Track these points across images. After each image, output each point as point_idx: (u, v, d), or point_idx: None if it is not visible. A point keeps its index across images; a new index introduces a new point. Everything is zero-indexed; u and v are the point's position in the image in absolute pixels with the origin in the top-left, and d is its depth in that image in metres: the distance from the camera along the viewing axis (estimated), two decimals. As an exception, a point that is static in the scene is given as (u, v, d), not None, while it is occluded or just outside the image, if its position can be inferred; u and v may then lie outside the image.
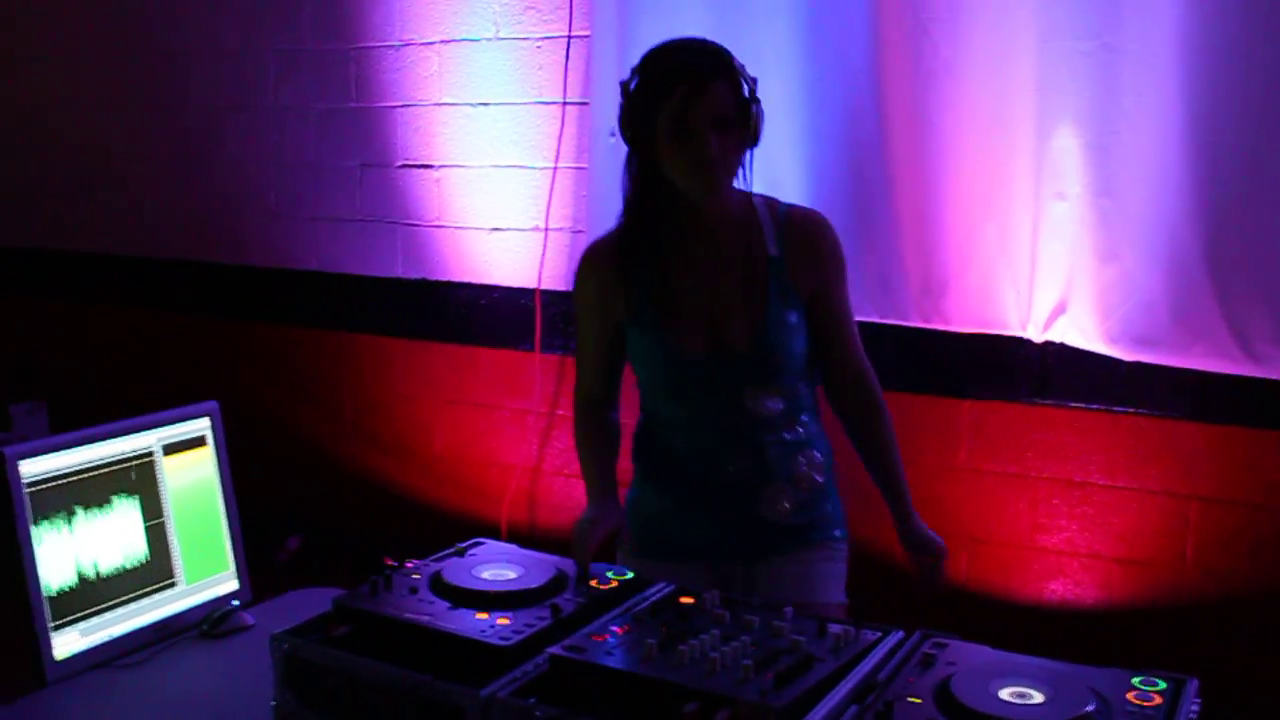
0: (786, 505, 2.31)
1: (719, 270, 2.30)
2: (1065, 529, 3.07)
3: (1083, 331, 2.92)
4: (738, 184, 2.30)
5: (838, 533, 2.41)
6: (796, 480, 2.31)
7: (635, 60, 3.34)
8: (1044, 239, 2.93)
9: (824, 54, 3.11)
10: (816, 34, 3.12)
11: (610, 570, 2.09)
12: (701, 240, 2.31)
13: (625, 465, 2.46)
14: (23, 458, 2.06)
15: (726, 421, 2.30)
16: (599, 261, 2.39)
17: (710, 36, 3.22)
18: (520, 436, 3.87)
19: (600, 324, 2.41)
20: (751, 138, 2.23)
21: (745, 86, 2.21)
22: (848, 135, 3.12)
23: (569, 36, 3.63)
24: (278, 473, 4.10)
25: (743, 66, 2.22)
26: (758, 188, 2.35)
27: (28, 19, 4.96)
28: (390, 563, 2.04)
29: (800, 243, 2.31)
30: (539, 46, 3.70)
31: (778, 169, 3.19)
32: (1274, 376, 2.73)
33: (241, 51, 4.35)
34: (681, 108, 2.17)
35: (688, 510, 2.38)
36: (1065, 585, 3.08)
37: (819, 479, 2.34)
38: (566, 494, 3.81)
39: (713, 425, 2.32)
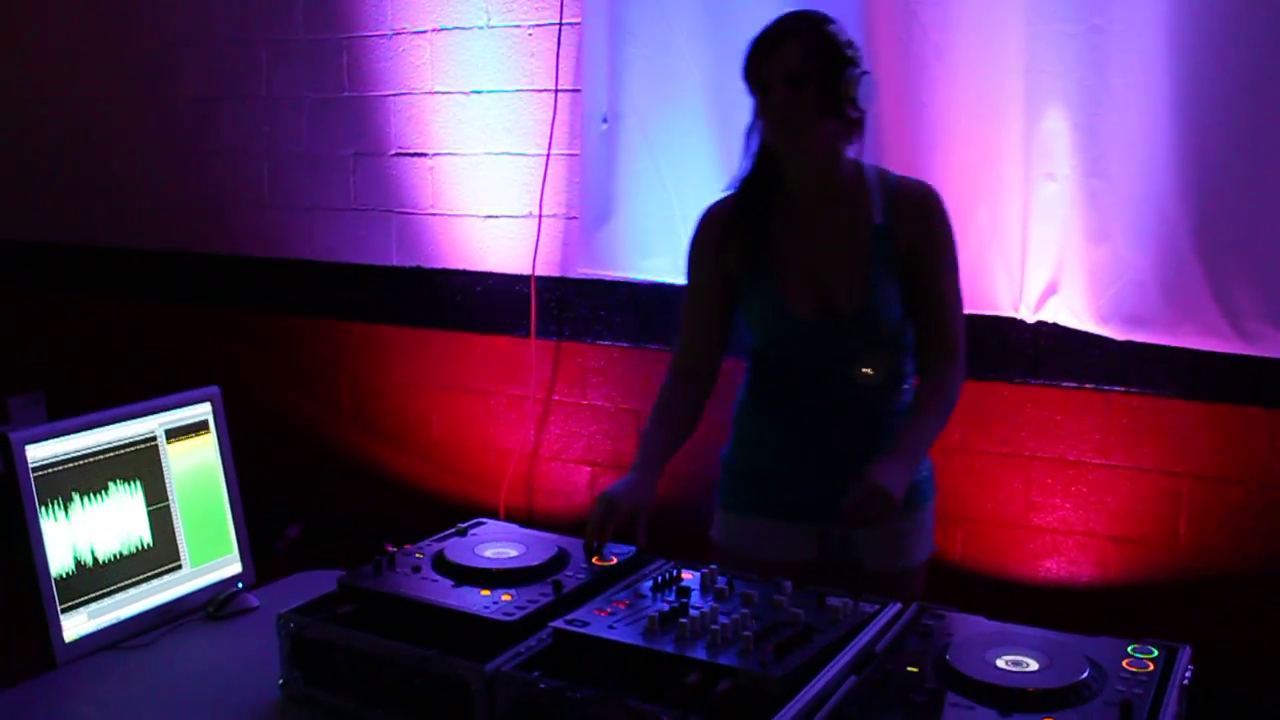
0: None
1: (827, 235, 2.34)
2: (1059, 508, 3.10)
3: (1074, 311, 2.94)
4: (851, 153, 2.35)
5: (928, 492, 2.48)
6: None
7: (627, 46, 3.39)
8: (1034, 220, 2.95)
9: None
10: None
11: (611, 547, 2.11)
12: (811, 204, 2.35)
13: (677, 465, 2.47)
14: (29, 443, 2.08)
15: (833, 386, 2.36)
16: (714, 222, 2.45)
17: (700, 22, 3.30)
18: (517, 422, 3.89)
19: (710, 286, 2.46)
20: (836, 102, 2.24)
21: (829, 52, 2.23)
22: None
23: (560, 24, 3.64)
24: (276, 461, 4.12)
25: (838, 34, 2.25)
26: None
27: (19, 11, 4.96)
28: (389, 548, 2.06)
29: (906, 213, 2.33)
30: (531, 34, 3.72)
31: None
32: (1264, 354, 2.76)
33: (233, 42, 4.36)
34: (758, 64, 2.28)
35: (793, 471, 2.42)
36: (1060, 563, 3.11)
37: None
38: (563, 479, 3.83)
39: (821, 390, 2.37)
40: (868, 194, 2.34)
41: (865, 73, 2.25)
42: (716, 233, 2.43)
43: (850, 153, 2.36)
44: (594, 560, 2.06)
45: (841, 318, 2.32)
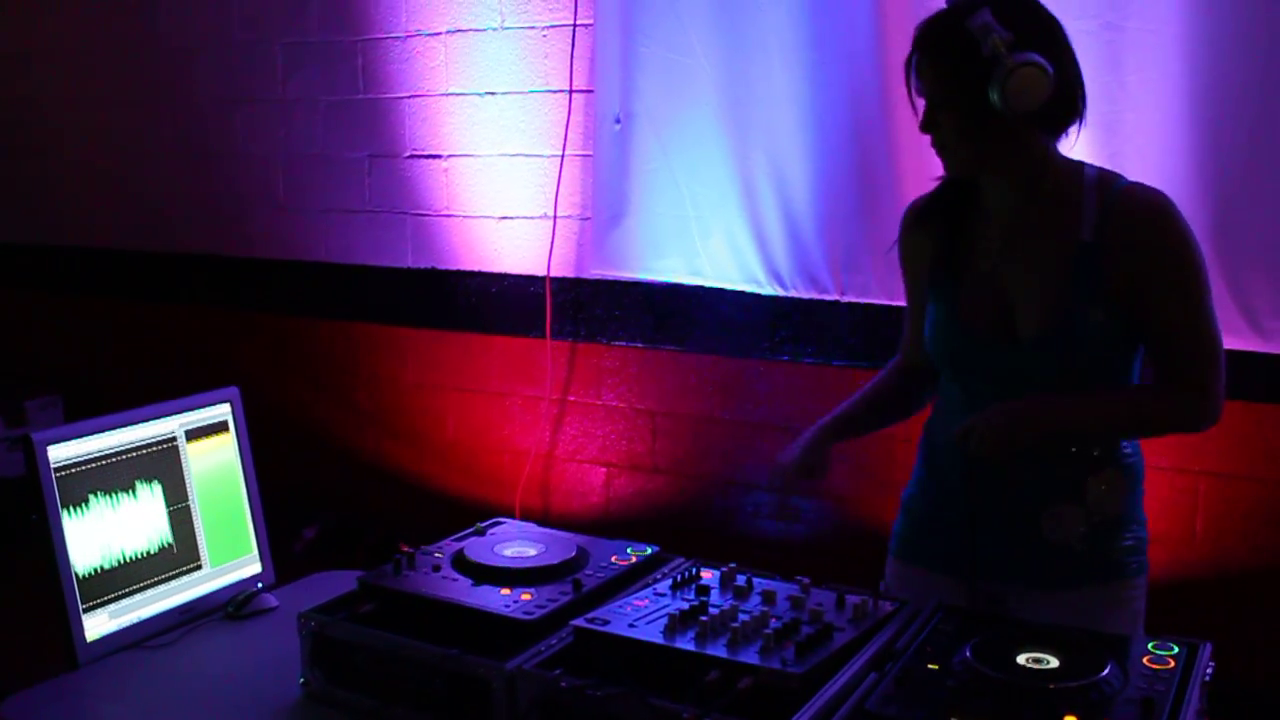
0: (1078, 529, 1.98)
1: (1025, 249, 2.01)
2: (1075, 505, 3.09)
3: (1090, 309, 2.94)
4: (1073, 154, 2.04)
5: (1134, 564, 2.05)
6: (1089, 503, 1.98)
7: (640, 47, 3.40)
8: (1050, 218, 2.94)
9: (826, 37, 3.14)
10: (819, 17, 3.14)
11: (630, 546, 2.12)
12: (1010, 215, 2.03)
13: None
14: (51, 443, 2.09)
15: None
16: (911, 220, 2.20)
17: (713, 22, 3.30)
18: (532, 423, 3.90)
19: (913, 283, 2.23)
20: (983, 117, 1.90)
21: (964, 63, 1.89)
22: (852, 116, 3.14)
23: (574, 25, 3.65)
24: (292, 462, 4.13)
25: (980, 29, 1.85)
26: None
27: (35, 16, 4.98)
28: (405, 549, 2.07)
29: (1124, 231, 1.94)
30: (544, 35, 3.73)
31: (783, 152, 3.22)
32: (1280, 351, 2.76)
33: (249, 45, 4.38)
34: (910, 79, 2.00)
35: (955, 516, 2.06)
36: (1076, 561, 3.10)
37: (1117, 503, 2.00)
38: (579, 479, 3.84)
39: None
40: (1080, 205, 1.97)
41: (1023, 66, 1.83)
42: (913, 234, 2.18)
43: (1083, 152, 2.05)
44: (612, 559, 2.06)
45: (1022, 341, 1.99)
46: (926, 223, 2.14)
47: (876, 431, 2.31)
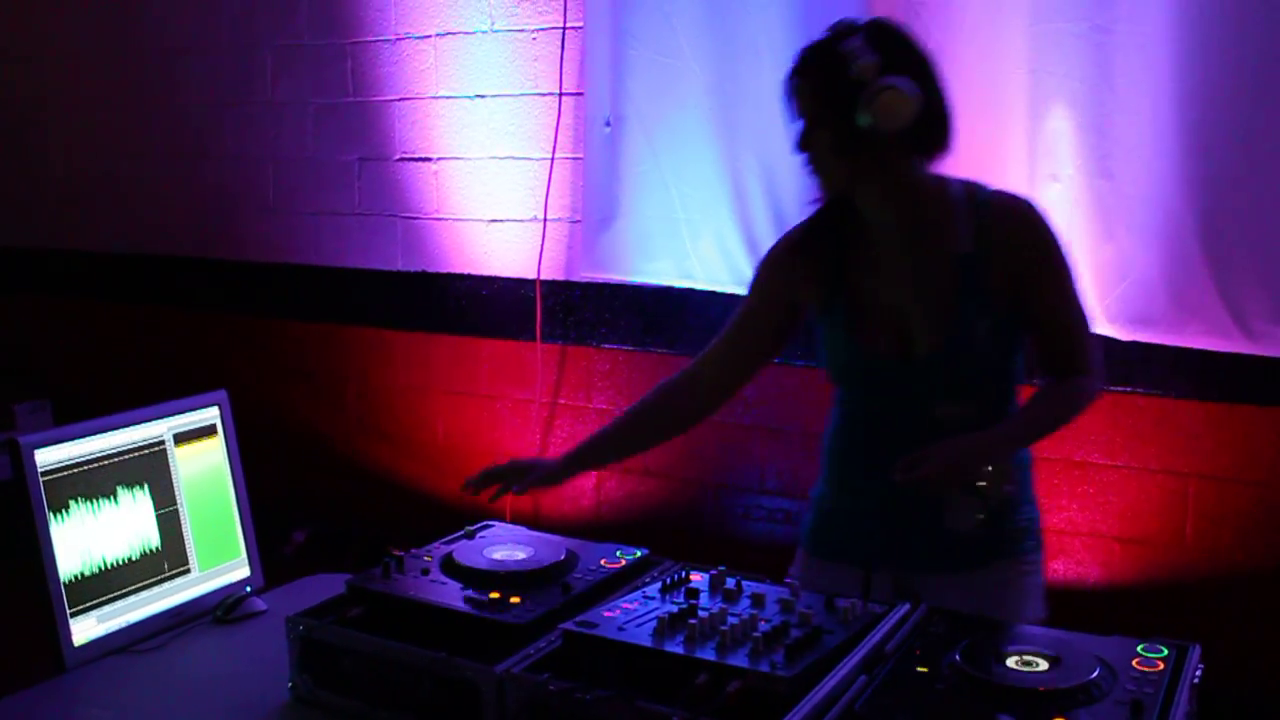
0: (976, 517, 2.05)
1: (908, 267, 2.12)
2: (1066, 508, 3.10)
3: (1080, 311, 2.94)
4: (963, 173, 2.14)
5: (1029, 543, 2.22)
6: (986, 493, 2.04)
7: (629, 50, 3.40)
8: (1040, 220, 2.95)
9: (816, 39, 3.13)
10: (809, 20, 3.13)
11: (620, 549, 2.12)
12: (888, 235, 2.13)
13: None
14: (38, 447, 2.08)
15: (913, 426, 2.09)
16: (790, 250, 2.26)
17: (702, 25, 3.30)
18: (523, 426, 3.90)
19: (764, 313, 2.30)
20: (855, 136, 2.00)
21: (839, 84, 1.99)
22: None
23: (564, 28, 3.65)
24: (282, 466, 4.13)
25: (851, 53, 1.97)
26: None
27: (24, 17, 4.97)
28: (396, 552, 2.06)
29: (999, 237, 2.07)
30: (534, 38, 3.72)
31: (774, 157, 3.22)
32: (1271, 354, 2.76)
33: (238, 48, 4.37)
34: (788, 101, 2.10)
35: (869, 514, 2.20)
36: (1067, 564, 3.11)
37: (1009, 489, 2.08)
38: (570, 483, 3.82)
39: (899, 429, 2.12)
40: (953, 217, 2.08)
41: (887, 88, 1.95)
42: (790, 262, 2.25)
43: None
44: (601, 563, 2.06)
45: (922, 358, 2.10)
46: (806, 250, 2.22)
47: (640, 452, 2.40)
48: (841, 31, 2.04)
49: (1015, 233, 2.07)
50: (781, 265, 2.28)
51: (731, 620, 1.75)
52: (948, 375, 2.10)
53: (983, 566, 2.16)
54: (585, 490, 3.80)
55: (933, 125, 2.05)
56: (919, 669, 1.67)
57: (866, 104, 1.96)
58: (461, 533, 2.22)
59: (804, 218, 2.24)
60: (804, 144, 2.07)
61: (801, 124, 2.07)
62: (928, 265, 2.10)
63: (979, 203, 2.09)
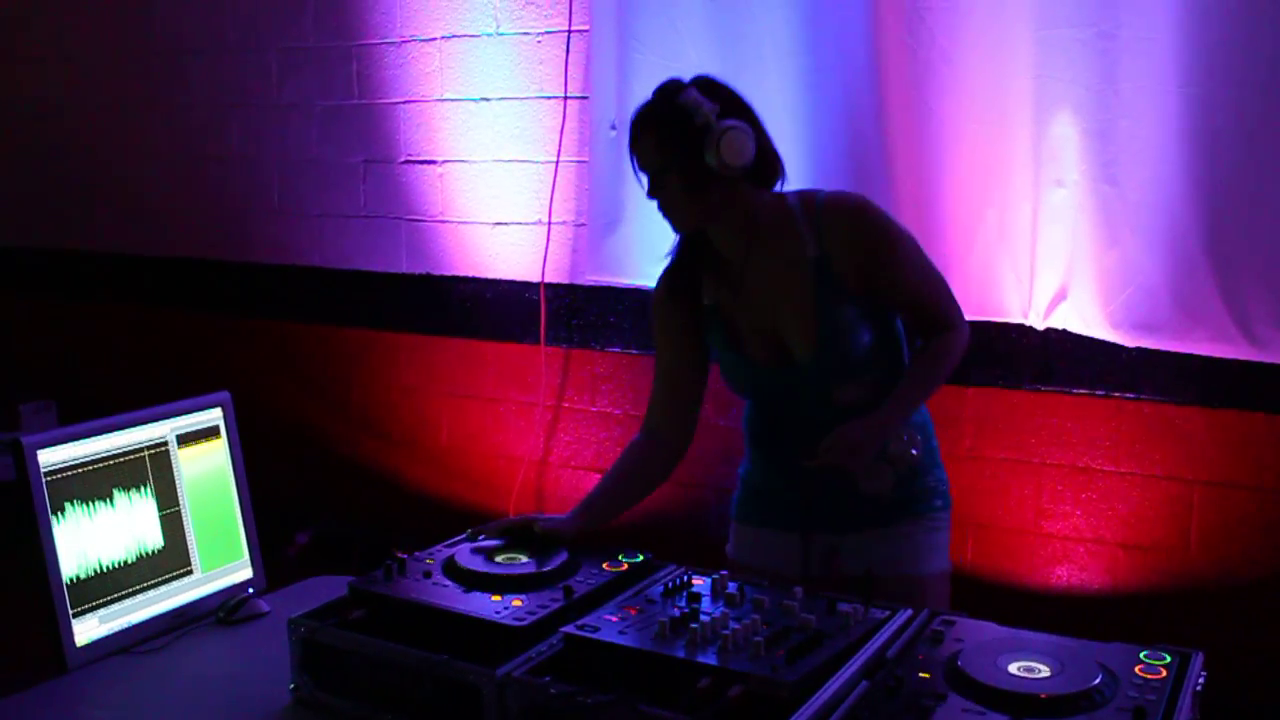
0: (886, 483, 2.25)
1: (766, 281, 2.32)
2: (1070, 515, 3.09)
3: (1084, 318, 2.94)
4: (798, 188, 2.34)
5: (938, 502, 2.44)
6: (893, 458, 2.23)
7: (634, 54, 3.40)
8: (1044, 226, 2.95)
9: (821, 45, 3.14)
10: (813, 25, 3.14)
11: (622, 553, 2.12)
12: (742, 256, 2.33)
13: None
14: (41, 448, 2.08)
15: (817, 411, 2.30)
16: (663, 291, 2.46)
17: (707, 29, 3.30)
18: (526, 429, 3.90)
19: (668, 352, 2.49)
20: (704, 178, 2.21)
21: (681, 134, 2.19)
22: (846, 125, 3.14)
23: (569, 31, 3.65)
24: (286, 468, 4.13)
25: (689, 104, 2.18)
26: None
27: (32, 19, 4.98)
28: (399, 555, 2.07)
29: (837, 235, 2.27)
30: (539, 41, 3.73)
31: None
32: (1275, 360, 2.75)
33: (243, 50, 4.38)
34: (635, 160, 2.29)
35: (787, 484, 2.40)
36: (1070, 570, 3.10)
37: (914, 453, 2.27)
38: (573, 486, 3.83)
39: (805, 415, 2.33)
40: (796, 228, 2.29)
41: (731, 129, 2.17)
42: (668, 303, 2.45)
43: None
44: (604, 566, 2.07)
45: (803, 362, 2.30)
46: (674, 289, 2.42)
47: (635, 504, 2.46)
48: (674, 88, 2.24)
49: (850, 228, 2.28)
50: (664, 307, 2.47)
51: (733, 625, 1.75)
52: (832, 367, 2.29)
53: (895, 524, 2.38)
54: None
55: (765, 158, 2.28)
56: (921, 674, 1.67)
57: (713, 145, 2.17)
58: (464, 535, 2.22)
59: (665, 262, 2.44)
60: (656, 190, 2.26)
61: (649, 174, 2.26)
62: (783, 276, 2.30)
63: (814, 209, 2.29)
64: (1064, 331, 2.99)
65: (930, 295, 2.34)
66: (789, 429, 2.39)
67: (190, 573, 2.33)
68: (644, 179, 2.29)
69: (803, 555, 2.37)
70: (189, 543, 2.33)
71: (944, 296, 2.35)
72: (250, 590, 2.40)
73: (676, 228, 2.32)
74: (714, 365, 2.50)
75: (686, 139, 2.19)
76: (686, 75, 2.30)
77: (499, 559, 2.07)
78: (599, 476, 3.73)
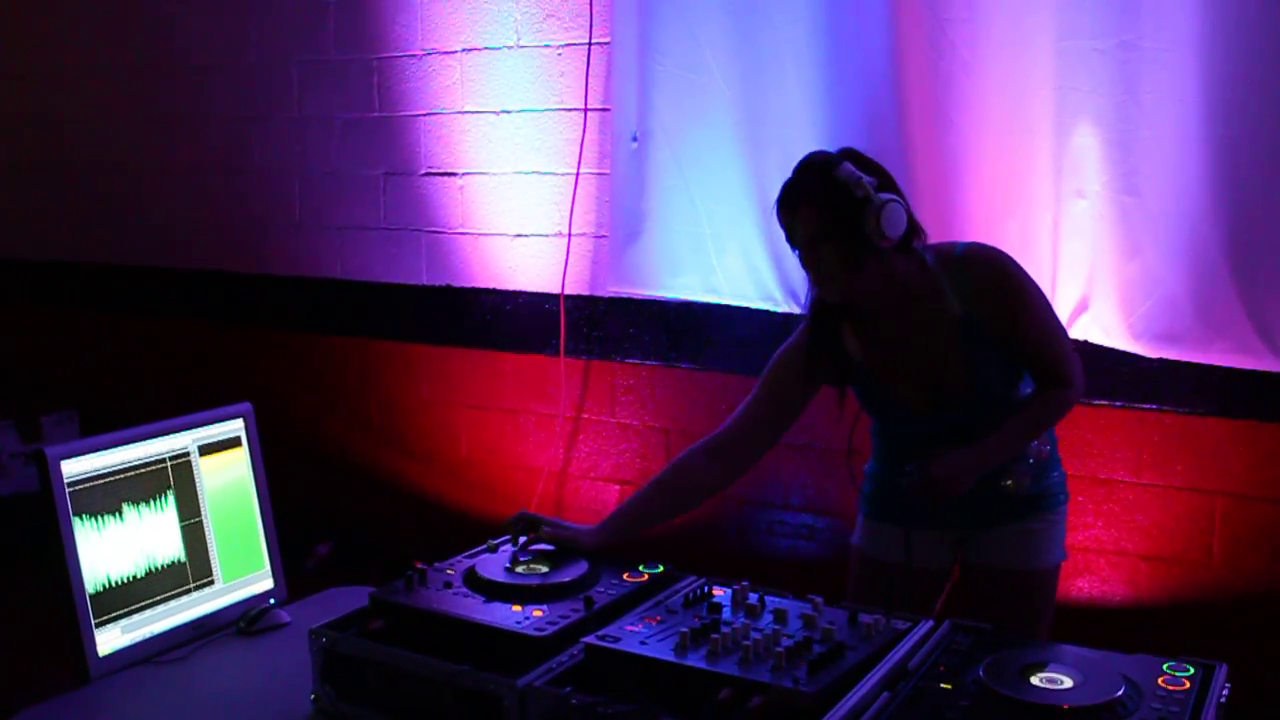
0: (1025, 481, 2.40)
1: (914, 338, 2.38)
2: (1091, 526, 3.08)
3: (1105, 329, 2.93)
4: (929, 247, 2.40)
5: (1062, 496, 2.53)
6: (1030, 455, 2.40)
7: (656, 65, 3.41)
8: (1065, 237, 2.94)
9: (842, 55, 3.14)
10: (834, 36, 3.14)
11: (642, 564, 2.11)
12: (890, 316, 2.38)
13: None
14: (64, 458, 2.09)
15: (962, 437, 2.35)
16: (799, 358, 2.47)
17: (729, 41, 3.31)
18: (546, 440, 3.90)
19: (777, 396, 2.50)
20: (862, 248, 2.25)
21: (842, 204, 2.24)
22: (867, 136, 3.13)
23: (590, 43, 3.66)
24: (306, 478, 4.14)
25: (848, 177, 2.24)
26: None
27: (54, 34, 5.02)
28: (419, 565, 2.06)
29: (981, 297, 2.35)
30: (560, 54, 3.74)
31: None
32: (1297, 371, 2.74)
33: (265, 63, 4.40)
34: (786, 231, 2.34)
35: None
36: (1092, 582, 3.09)
37: (1046, 449, 2.45)
38: (592, 496, 3.83)
39: (949, 438, 2.36)
40: (940, 287, 2.35)
41: (889, 202, 2.23)
42: (801, 366, 2.47)
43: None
44: (624, 576, 2.07)
45: (956, 405, 2.38)
46: (813, 357, 2.45)
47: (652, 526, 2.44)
48: (829, 161, 2.30)
49: (991, 289, 2.35)
50: (792, 368, 2.49)
51: (754, 635, 1.74)
52: (979, 411, 2.38)
53: (1029, 519, 2.47)
54: (608, 505, 3.80)
55: (911, 226, 2.31)
56: (942, 685, 1.66)
57: (875, 217, 2.23)
58: (484, 546, 2.22)
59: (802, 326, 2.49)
60: (812, 261, 2.30)
61: (806, 244, 2.30)
62: (932, 336, 2.37)
63: (953, 266, 2.36)
64: (1085, 342, 2.98)
65: (1050, 350, 2.39)
66: (929, 441, 2.39)
67: (212, 583, 2.33)
68: (797, 252, 2.33)
69: (953, 552, 2.54)
70: (210, 553, 2.34)
71: (1066, 352, 2.42)
72: (271, 601, 2.41)
73: (830, 297, 2.37)
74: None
75: (847, 212, 2.24)
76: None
77: (519, 569, 2.07)
78: (618, 488, 3.78)
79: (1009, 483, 2.37)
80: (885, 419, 2.53)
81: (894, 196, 2.26)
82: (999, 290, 2.35)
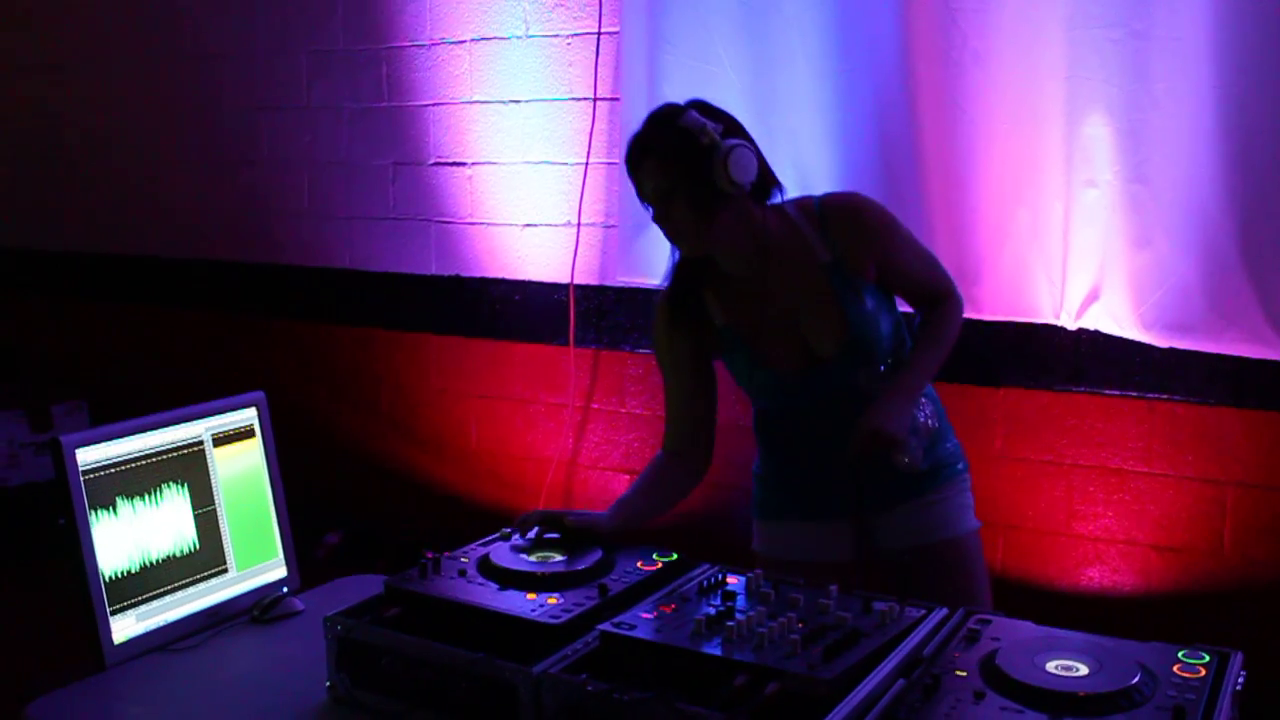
0: (917, 455, 2.30)
1: (783, 289, 2.36)
2: (1102, 516, 3.08)
3: (1116, 318, 2.93)
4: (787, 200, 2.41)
5: (960, 466, 2.52)
6: (918, 430, 2.32)
7: (665, 54, 3.40)
8: (1076, 226, 2.94)
9: (853, 44, 3.13)
10: (845, 25, 3.13)
11: (656, 552, 2.12)
12: (754, 269, 2.36)
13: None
14: (79, 446, 2.10)
15: (840, 405, 2.34)
16: (664, 319, 2.48)
17: (739, 30, 3.30)
18: (555, 430, 3.90)
19: (675, 375, 2.50)
20: (713, 197, 2.24)
21: (686, 154, 2.22)
22: (878, 126, 3.14)
23: (599, 33, 3.65)
24: (316, 468, 4.13)
25: (692, 126, 2.22)
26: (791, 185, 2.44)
27: (61, 24, 5.02)
28: (430, 555, 2.07)
29: (845, 238, 2.35)
30: (569, 43, 3.73)
31: (809, 161, 3.22)
32: (1309, 360, 2.74)
33: (274, 53, 4.40)
34: (637, 188, 2.33)
35: (819, 473, 2.43)
36: (1103, 572, 3.09)
37: (933, 423, 2.40)
38: (602, 487, 3.83)
39: (828, 411, 2.37)
40: (803, 235, 2.36)
41: (736, 147, 2.21)
42: (671, 329, 2.47)
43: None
44: (638, 565, 2.07)
45: (829, 358, 2.35)
46: (681, 315, 2.44)
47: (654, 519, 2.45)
48: (672, 111, 2.28)
49: (855, 225, 2.36)
50: (667, 336, 2.49)
51: (769, 623, 1.74)
52: (857, 360, 2.34)
53: (930, 492, 2.44)
54: (616, 495, 3.77)
55: (765, 174, 2.32)
56: (958, 672, 1.67)
57: (720, 164, 2.21)
58: (498, 534, 2.23)
59: (664, 283, 2.48)
60: (664, 217, 2.29)
61: (655, 198, 2.28)
62: (800, 285, 2.35)
63: (815, 214, 2.37)
64: (1096, 332, 2.97)
65: (927, 271, 2.45)
66: (810, 422, 2.42)
67: (225, 571, 2.34)
68: (649, 209, 2.32)
69: (853, 541, 2.41)
70: (224, 542, 2.35)
71: (938, 270, 2.47)
72: (285, 589, 2.42)
73: (687, 252, 2.35)
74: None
75: (693, 161, 2.23)
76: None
77: (534, 557, 2.08)
78: (628, 478, 3.78)
79: (905, 460, 2.26)
80: (758, 390, 2.46)
81: (741, 141, 2.24)
82: (869, 227, 2.36)
